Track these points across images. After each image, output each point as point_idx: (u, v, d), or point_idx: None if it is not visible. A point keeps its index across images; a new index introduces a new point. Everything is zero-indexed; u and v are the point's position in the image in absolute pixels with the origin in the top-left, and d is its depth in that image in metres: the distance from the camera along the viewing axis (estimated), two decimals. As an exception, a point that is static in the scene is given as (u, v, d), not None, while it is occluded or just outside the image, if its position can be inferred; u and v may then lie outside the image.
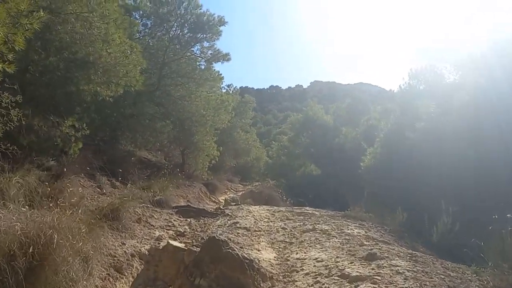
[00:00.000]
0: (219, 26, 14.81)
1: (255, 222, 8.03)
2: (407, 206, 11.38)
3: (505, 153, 9.58)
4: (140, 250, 6.04)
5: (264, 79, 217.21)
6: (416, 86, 19.34)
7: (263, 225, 7.76)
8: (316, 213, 9.38)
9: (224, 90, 36.84)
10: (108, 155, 11.97)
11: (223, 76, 29.43)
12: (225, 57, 15.11)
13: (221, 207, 12.07)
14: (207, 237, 5.52)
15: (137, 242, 6.40)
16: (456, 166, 10.12)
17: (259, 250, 5.58)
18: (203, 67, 15.31)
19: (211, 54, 15.17)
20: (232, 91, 37.35)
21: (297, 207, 10.94)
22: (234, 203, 11.26)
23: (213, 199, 16.71)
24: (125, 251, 5.78)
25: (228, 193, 29.04)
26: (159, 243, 6.39)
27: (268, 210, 10.20)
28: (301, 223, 7.86)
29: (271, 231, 7.21)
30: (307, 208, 10.54)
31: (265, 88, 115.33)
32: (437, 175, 11.33)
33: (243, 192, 18.00)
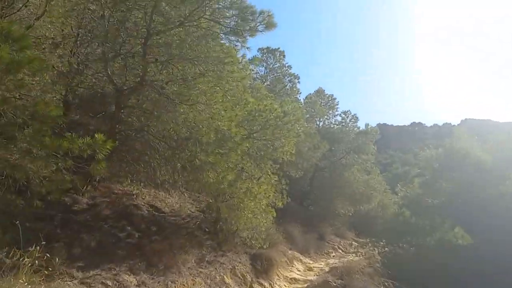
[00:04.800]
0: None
1: None
2: None
3: None
4: None
5: (405, 116, 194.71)
6: None
7: None
8: None
9: (339, 119, 29.61)
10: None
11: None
12: (270, 24, 7.79)
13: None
14: None
15: None
16: None
17: None
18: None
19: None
20: (350, 120, 29.54)
21: None
22: None
23: (259, 290, 9.26)
24: None
25: (332, 254, 20.86)
26: None
27: None
28: None
29: None
30: None
31: (406, 125, 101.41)
32: None
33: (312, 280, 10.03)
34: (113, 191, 9.46)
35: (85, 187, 8.41)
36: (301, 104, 26.68)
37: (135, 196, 9.73)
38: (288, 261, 15.25)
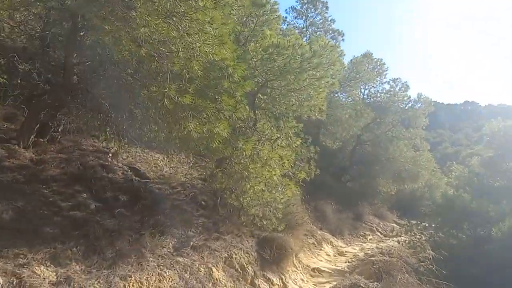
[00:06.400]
0: None
1: None
2: None
3: None
4: None
5: (457, 94, 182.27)
6: None
7: None
8: None
9: (388, 87, 26.09)
10: None
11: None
12: None
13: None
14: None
15: None
16: None
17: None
18: None
19: None
20: (400, 89, 25.86)
21: None
22: None
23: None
24: None
25: (369, 237, 18.17)
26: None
27: None
28: None
29: None
30: None
31: (458, 103, 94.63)
32: None
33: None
34: (80, 146, 7.26)
35: (31, 137, 6.25)
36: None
37: (110, 155, 7.48)
38: (316, 243, 12.94)
